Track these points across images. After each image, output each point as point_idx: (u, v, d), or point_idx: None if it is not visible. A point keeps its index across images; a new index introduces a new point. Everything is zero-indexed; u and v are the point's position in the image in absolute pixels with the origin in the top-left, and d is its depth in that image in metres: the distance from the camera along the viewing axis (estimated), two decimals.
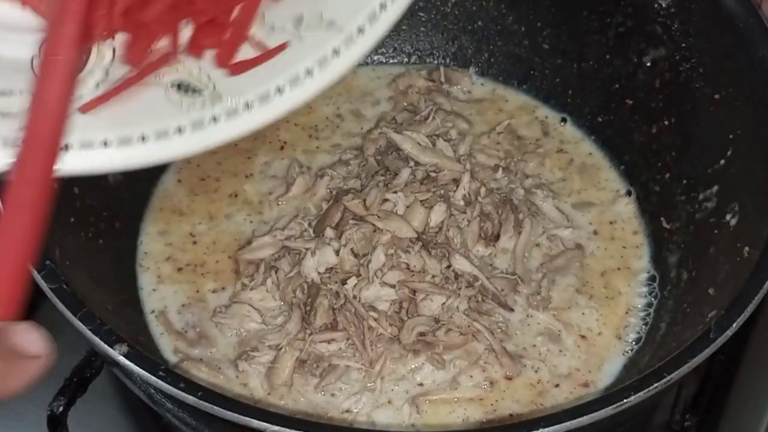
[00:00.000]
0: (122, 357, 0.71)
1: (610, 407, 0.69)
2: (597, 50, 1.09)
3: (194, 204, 1.05)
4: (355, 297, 0.90)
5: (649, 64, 1.04)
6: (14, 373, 0.51)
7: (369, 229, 0.94)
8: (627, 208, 1.05)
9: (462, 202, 0.99)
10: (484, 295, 0.94)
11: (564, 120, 1.14)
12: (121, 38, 0.72)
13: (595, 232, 1.04)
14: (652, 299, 0.98)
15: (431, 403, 0.89)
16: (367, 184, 1.00)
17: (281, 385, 0.89)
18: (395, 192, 0.97)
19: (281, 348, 0.90)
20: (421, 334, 0.90)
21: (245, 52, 0.71)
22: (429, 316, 0.91)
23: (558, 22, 1.11)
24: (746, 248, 0.82)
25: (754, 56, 0.90)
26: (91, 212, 0.94)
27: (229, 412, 0.68)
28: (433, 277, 0.93)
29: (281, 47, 0.71)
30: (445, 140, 1.05)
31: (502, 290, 0.95)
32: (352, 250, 0.93)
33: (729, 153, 0.92)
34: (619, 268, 1.01)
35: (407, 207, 0.96)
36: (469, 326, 0.91)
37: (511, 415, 0.89)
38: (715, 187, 0.94)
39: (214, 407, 0.68)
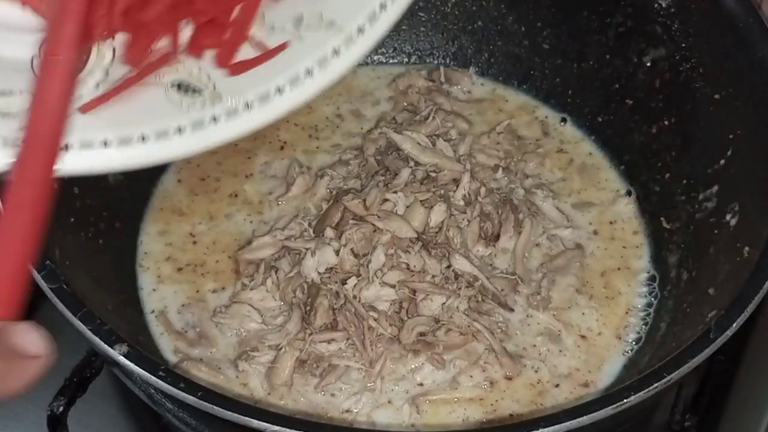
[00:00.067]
0: (122, 357, 0.71)
1: (610, 407, 0.69)
2: (597, 50, 1.09)
3: (194, 204, 1.05)
4: (355, 297, 0.90)
5: (649, 64, 1.04)
6: (14, 373, 0.51)
7: (369, 229, 0.94)
8: (627, 208, 1.05)
9: (462, 202, 0.99)
10: (484, 295, 0.94)
11: (564, 120, 1.14)
12: (121, 38, 0.72)
13: (595, 232, 1.04)
14: (652, 299, 0.98)
15: (431, 403, 0.89)
16: (367, 184, 1.00)
17: (281, 385, 0.89)
18: (395, 192, 0.97)
19: (281, 348, 0.90)
20: (421, 334, 0.90)
21: (245, 53, 0.71)
22: (429, 316, 0.91)
23: (558, 22, 1.11)
24: (746, 248, 0.82)
25: (754, 56, 0.90)
26: (91, 212, 0.94)
27: (229, 412, 0.68)
28: (433, 277, 0.93)
29: (281, 47, 0.71)
30: (445, 140, 1.05)
31: (502, 290, 0.95)
32: (352, 250, 0.93)
33: (729, 153, 0.92)
34: (619, 268, 1.01)
35: (407, 207, 0.96)
36: (469, 326, 0.91)
37: (511, 415, 0.89)
38: (715, 187, 0.94)
39: (214, 407, 0.68)
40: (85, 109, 0.67)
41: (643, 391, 0.70)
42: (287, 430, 0.66)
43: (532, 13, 1.13)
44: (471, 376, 0.90)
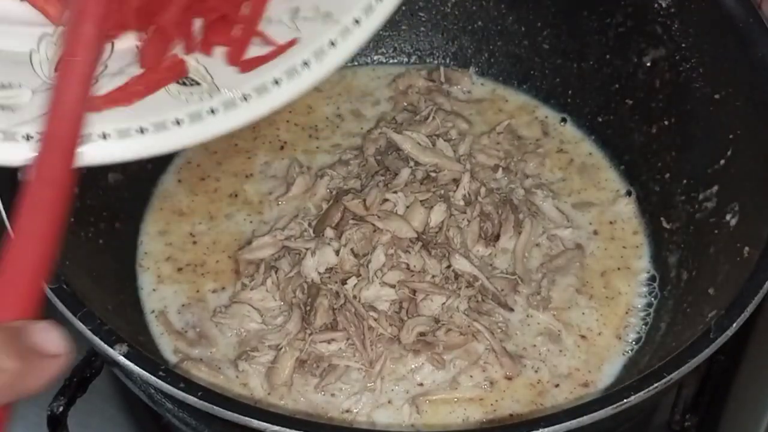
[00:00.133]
0: (122, 357, 0.71)
1: (610, 407, 0.69)
2: (597, 50, 1.09)
3: (194, 204, 1.05)
4: (355, 297, 0.90)
5: (649, 64, 1.04)
6: (34, 373, 0.51)
7: (369, 229, 0.94)
8: (627, 208, 1.05)
9: (462, 202, 0.99)
10: (484, 295, 0.94)
11: (564, 120, 1.14)
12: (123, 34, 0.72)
13: (595, 232, 1.04)
14: (652, 299, 0.98)
15: (431, 403, 0.89)
16: (367, 184, 1.00)
17: (281, 385, 0.89)
18: (395, 192, 0.97)
19: (281, 348, 0.90)
20: (421, 334, 0.90)
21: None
22: (429, 316, 0.91)
23: (558, 22, 1.11)
24: (746, 248, 0.82)
25: (754, 56, 0.90)
26: (91, 212, 0.94)
27: (229, 412, 0.68)
28: (433, 277, 0.93)
29: (291, 43, 0.71)
30: (445, 140, 1.05)
31: (502, 290, 0.95)
32: (352, 250, 0.93)
33: (729, 153, 0.92)
34: (619, 268, 1.01)
35: (407, 207, 0.96)
36: (469, 326, 0.91)
37: (511, 415, 0.89)
38: (715, 187, 0.94)
39: (214, 407, 0.68)
40: (93, 108, 0.67)
41: (643, 391, 0.70)
42: (287, 430, 0.66)
43: (532, 13, 1.13)
44: (471, 376, 0.90)
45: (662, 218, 1.02)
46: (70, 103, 0.57)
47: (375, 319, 0.90)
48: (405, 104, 1.14)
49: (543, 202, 1.03)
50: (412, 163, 1.02)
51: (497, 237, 0.99)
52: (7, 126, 0.65)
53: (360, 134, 1.11)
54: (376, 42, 1.20)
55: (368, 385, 0.89)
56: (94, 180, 0.94)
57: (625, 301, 0.98)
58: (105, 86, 0.69)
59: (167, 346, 0.94)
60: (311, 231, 0.98)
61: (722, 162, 0.93)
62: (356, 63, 1.19)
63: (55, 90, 0.57)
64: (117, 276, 0.96)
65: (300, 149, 1.10)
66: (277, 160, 1.09)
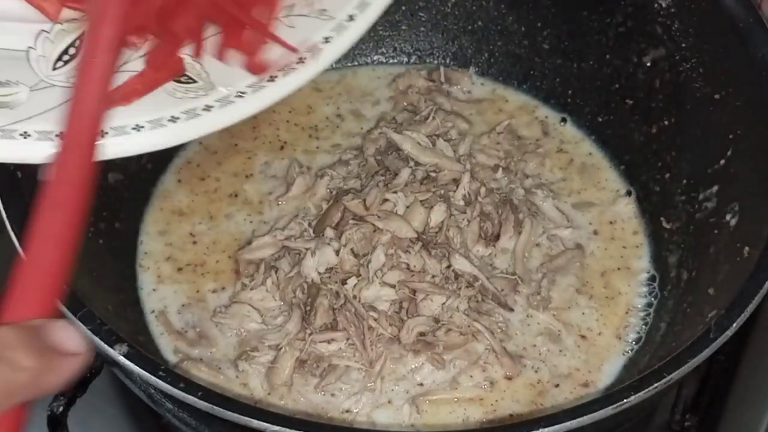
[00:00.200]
0: (122, 357, 0.71)
1: (610, 407, 0.69)
2: (597, 50, 1.09)
3: (194, 204, 1.05)
4: (355, 297, 0.90)
5: (649, 64, 1.04)
6: (52, 371, 0.51)
7: (369, 229, 0.94)
8: (627, 208, 1.05)
9: (462, 202, 0.99)
10: (484, 295, 0.93)
11: (564, 120, 1.14)
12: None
13: (595, 232, 1.04)
14: (652, 299, 0.98)
15: (431, 403, 0.89)
16: (367, 184, 1.00)
17: (281, 385, 0.89)
18: (395, 192, 0.97)
19: (281, 348, 0.90)
20: (421, 334, 0.90)
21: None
22: (429, 316, 0.91)
23: (558, 22, 1.11)
24: (746, 248, 0.82)
25: (754, 56, 0.90)
26: (91, 212, 0.94)
27: (229, 412, 0.68)
28: (433, 277, 0.93)
29: (302, 52, 0.71)
30: (445, 140, 1.05)
31: (502, 290, 0.95)
32: (352, 250, 0.93)
33: (729, 153, 0.92)
34: (619, 268, 1.01)
35: (407, 207, 0.96)
36: (469, 326, 0.91)
37: (511, 415, 0.89)
38: (715, 187, 0.94)
39: (214, 407, 0.68)
40: None
41: (643, 391, 0.70)
42: (287, 430, 0.66)
43: (532, 13, 1.13)
44: (471, 376, 0.90)
45: (662, 218, 1.02)
46: (89, 104, 0.58)
47: (375, 319, 0.90)
48: (405, 104, 1.14)
49: (543, 202, 1.03)
50: (412, 163, 1.02)
51: (497, 237, 0.99)
52: (4, 123, 0.65)
53: (360, 134, 1.11)
54: (376, 42, 1.20)
55: (368, 385, 0.89)
56: (94, 180, 0.94)
57: (625, 301, 0.98)
58: None
59: (167, 346, 0.94)
60: (311, 231, 0.98)
61: (722, 162, 0.93)
62: (356, 63, 1.19)
63: (75, 90, 0.58)
64: (117, 276, 0.96)
65: (300, 149, 1.10)
66: (277, 160, 1.09)
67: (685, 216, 0.99)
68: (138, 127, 0.67)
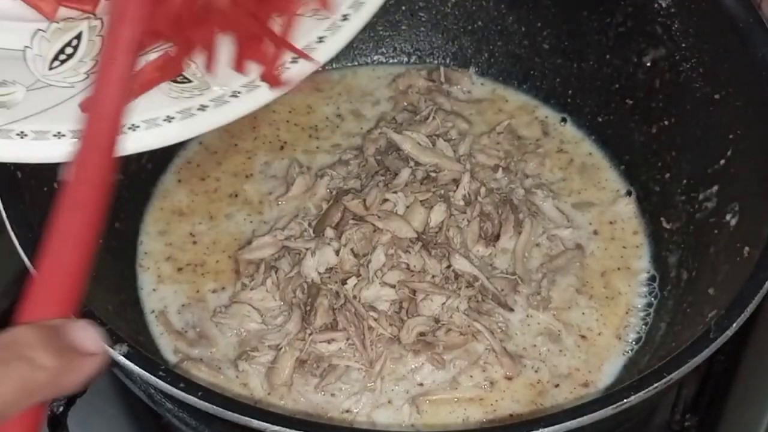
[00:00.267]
0: (122, 357, 0.71)
1: (610, 407, 0.69)
2: (597, 50, 1.09)
3: (194, 204, 1.05)
4: (355, 297, 0.90)
5: (649, 64, 1.04)
6: (72, 371, 0.51)
7: (369, 229, 0.94)
8: (627, 208, 1.05)
9: (462, 202, 0.99)
10: (484, 295, 0.93)
11: (564, 120, 1.14)
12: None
13: (595, 232, 1.04)
14: (652, 299, 0.98)
15: (431, 403, 0.89)
16: (367, 184, 1.00)
17: (281, 385, 0.89)
18: (395, 192, 0.97)
19: (281, 348, 0.90)
20: (421, 334, 0.90)
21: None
22: (429, 316, 0.91)
23: (558, 22, 1.11)
24: (746, 248, 0.82)
25: (754, 56, 0.90)
26: None
27: (229, 412, 0.68)
28: (433, 277, 0.92)
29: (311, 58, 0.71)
30: (445, 140, 1.05)
31: (502, 290, 0.95)
32: (352, 250, 0.93)
33: (729, 153, 0.92)
34: (619, 268, 1.01)
35: (407, 207, 0.96)
36: (469, 326, 0.91)
37: (511, 415, 0.89)
38: (715, 187, 0.94)
39: (214, 407, 0.68)
40: (87, 108, 0.67)
41: (643, 391, 0.70)
42: (287, 430, 0.66)
43: (532, 13, 1.13)
44: (471, 376, 0.90)
45: (662, 218, 1.02)
46: (109, 104, 0.58)
47: (375, 319, 0.89)
48: (405, 104, 1.14)
49: (543, 202, 1.03)
50: (412, 163, 1.02)
51: (497, 237, 0.99)
52: (1, 123, 0.65)
53: (360, 134, 1.11)
54: (376, 42, 1.20)
55: (368, 385, 0.89)
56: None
57: (625, 301, 0.98)
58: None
59: (167, 346, 0.94)
60: (311, 231, 0.98)
61: (722, 162, 0.93)
62: (356, 63, 1.19)
63: (94, 91, 0.58)
64: (117, 276, 0.96)
65: (300, 149, 1.10)
66: (277, 160, 1.09)
67: (685, 216, 0.99)
68: (133, 127, 0.67)
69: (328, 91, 1.16)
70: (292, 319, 0.91)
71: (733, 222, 0.89)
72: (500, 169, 1.05)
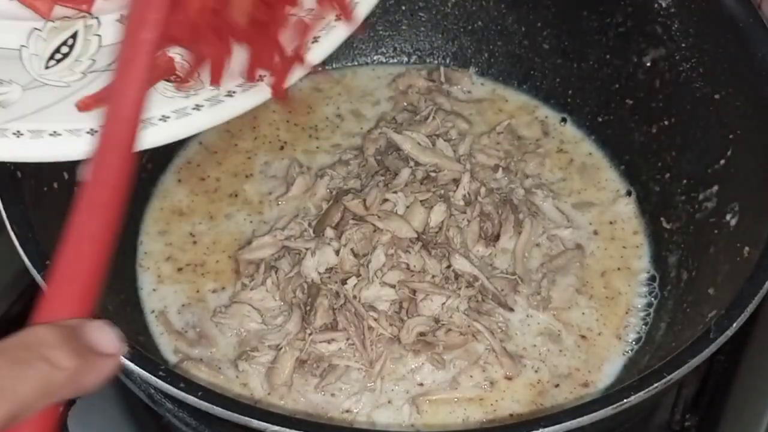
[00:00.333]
0: (122, 357, 0.71)
1: (610, 407, 0.69)
2: (597, 50, 1.09)
3: (194, 204, 1.05)
4: (355, 297, 0.90)
5: (649, 64, 1.04)
6: (90, 371, 0.51)
7: (369, 229, 0.94)
8: (627, 208, 1.05)
9: (462, 202, 0.99)
10: (484, 295, 0.93)
11: (564, 120, 1.14)
12: (108, 27, 0.72)
13: (595, 232, 1.04)
14: (652, 299, 0.98)
15: (431, 403, 0.89)
16: (367, 184, 1.00)
17: (281, 385, 0.89)
18: (395, 192, 0.97)
19: (281, 348, 0.90)
20: (421, 334, 0.90)
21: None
22: (429, 316, 0.91)
23: (558, 22, 1.11)
24: (746, 248, 0.82)
25: (754, 56, 0.90)
26: None
27: (229, 412, 0.68)
28: (433, 277, 0.92)
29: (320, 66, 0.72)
30: (445, 140, 1.05)
31: (502, 290, 0.95)
32: (352, 250, 0.93)
33: (729, 153, 0.92)
34: (619, 268, 1.01)
35: (407, 207, 0.96)
36: (469, 326, 0.91)
37: (511, 415, 0.89)
38: (715, 187, 0.94)
39: (214, 407, 0.68)
40: (84, 107, 0.67)
41: (643, 391, 0.70)
42: (287, 430, 0.66)
43: (532, 13, 1.13)
44: (471, 376, 0.90)
45: (662, 218, 1.02)
46: (127, 106, 0.58)
47: (375, 319, 0.89)
48: (405, 104, 1.14)
49: (543, 202, 1.03)
50: (412, 163, 1.02)
51: (497, 237, 0.99)
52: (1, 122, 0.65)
53: (360, 134, 1.11)
54: (376, 42, 1.20)
55: (368, 385, 0.89)
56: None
57: (625, 301, 0.98)
58: (94, 82, 0.69)
59: (167, 346, 0.94)
60: (311, 231, 0.98)
61: (722, 162, 0.93)
62: (356, 63, 1.19)
63: (113, 93, 0.58)
64: (117, 276, 0.96)
65: (300, 149, 1.10)
66: (277, 160, 1.09)
67: (685, 216, 0.99)
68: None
69: (328, 91, 1.16)
70: (292, 319, 0.91)
71: (733, 222, 0.89)
72: (500, 169, 1.05)
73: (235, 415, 0.67)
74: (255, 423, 0.67)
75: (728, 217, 0.90)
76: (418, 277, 0.92)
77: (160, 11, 0.59)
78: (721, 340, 0.74)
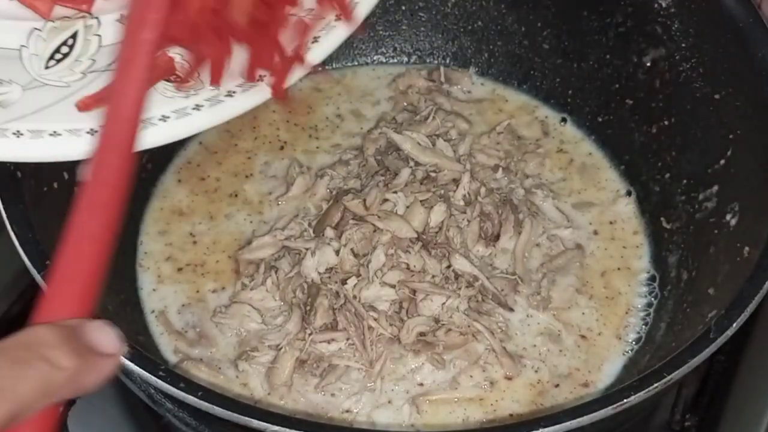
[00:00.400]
0: (122, 357, 0.71)
1: (610, 407, 0.69)
2: (597, 50, 1.09)
3: (194, 204, 1.05)
4: (355, 297, 0.90)
5: (649, 64, 1.04)
6: (90, 371, 0.51)
7: (369, 229, 0.94)
8: (627, 208, 1.05)
9: (462, 202, 0.99)
10: (484, 295, 0.93)
11: (564, 120, 1.14)
12: (108, 27, 0.72)
13: (595, 232, 1.04)
14: (652, 299, 0.98)
15: (431, 403, 0.89)
16: (367, 184, 1.00)
17: (281, 385, 0.89)
18: (395, 192, 0.97)
19: (281, 348, 0.90)
20: (421, 334, 0.90)
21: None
22: (429, 316, 0.91)
23: (558, 22, 1.11)
24: (746, 248, 0.82)
25: (754, 56, 0.90)
26: None
27: (229, 412, 0.68)
28: (433, 277, 0.92)
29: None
30: (445, 140, 1.05)
31: (502, 290, 0.95)
32: (352, 250, 0.93)
33: (729, 153, 0.92)
34: (619, 268, 1.01)
35: (407, 207, 0.96)
36: (469, 326, 0.91)
37: (511, 415, 0.89)
38: (715, 187, 0.94)
39: (214, 407, 0.68)
40: (84, 107, 0.67)
41: (643, 391, 0.70)
42: (287, 430, 0.66)
43: (532, 13, 1.13)
44: (471, 376, 0.90)
45: (662, 218, 1.02)
46: (127, 106, 0.58)
47: (375, 319, 0.89)
48: (405, 104, 1.14)
49: (543, 202, 1.03)
50: (412, 163, 1.02)
51: (497, 237, 0.99)
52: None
53: (360, 134, 1.11)
54: (376, 42, 1.20)
55: (368, 385, 0.89)
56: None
57: (625, 301, 0.98)
58: (94, 81, 0.69)
59: (167, 346, 0.94)
60: (311, 231, 0.98)
61: (722, 162, 0.93)
62: (356, 63, 1.19)
63: (113, 93, 0.58)
64: (117, 276, 0.96)
65: (300, 149, 1.10)
66: (277, 160, 1.09)
67: (685, 216, 0.99)
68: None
69: (328, 91, 1.16)
70: (292, 319, 0.91)
71: (733, 222, 0.89)
72: (500, 169, 1.05)
73: (235, 415, 0.67)
74: (255, 423, 0.67)
75: (728, 217, 0.90)
76: (418, 277, 0.92)
77: (160, 11, 0.59)
78: (721, 340, 0.74)
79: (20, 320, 0.53)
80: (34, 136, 0.66)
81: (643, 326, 0.96)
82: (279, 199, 1.05)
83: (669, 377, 0.71)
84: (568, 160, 1.10)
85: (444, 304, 0.91)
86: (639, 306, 0.98)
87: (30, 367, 0.48)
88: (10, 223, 0.77)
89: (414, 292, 0.92)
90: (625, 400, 0.70)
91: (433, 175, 1.01)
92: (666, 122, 1.03)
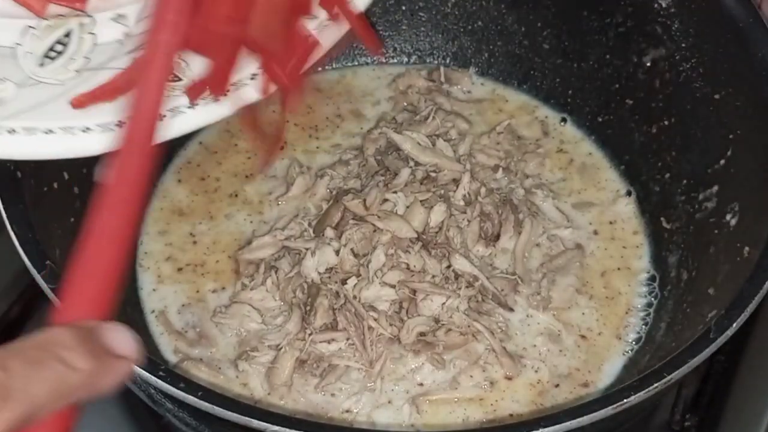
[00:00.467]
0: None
1: (610, 407, 0.69)
2: (597, 50, 1.09)
3: (194, 204, 1.05)
4: (355, 297, 0.90)
5: (649, 64, 1.04)
6: (105, 373, 0.51)
7: (369, 229, 0.94)
8: (627, 208, 1.05)
9: (462, 202, 0.99)
10: (484, 295, 0.94)
11: (564, 120, 1.14)
12: (103, 25, 0.72)
13: (595, 232, 1.04)
14: (652, 299, 0.98)
15: (431, 403, 0.89)
16: (367, 184, 1.00)
17: (281, 385, 0.89)
18: (395, 192, 0.97)
19: (281, 348, 0.90)
20: (421, 334, 0.90)
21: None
22: (429, 316, 0.91)
23: (558, 22, 1.11)
24: (746, 248, 0.82)
25: (754, 56, 0.90)
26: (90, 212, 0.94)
27: (229, 412, 0.68)
28: (433, 277, 0.93)
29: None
30: (445, 140, 1.05)
31: (502, 290, 0.95)
32: (352, 250, 0.93)
33: (729, 153, 0.92)
34: (619, 268, 1.01)
35: (407, 207, 0.96)
36: (469, 326, 0.91)
37: (511, 415, 0.89)
38: (715, 187, 0.94)
39: (214, 407, 0.68)
40: (78, 104, 0.67)
41: (643, 391, 0.70)
42: (287, 430, 0.66)
43: (532, 13, 1.13)
44: (471, 376, 0.90)
45: (662, 218, 1.02)
46: (148, 107, 0.59)
47: (375, 319, 0.89)
48: (405, 104, 1.14)
49: (543, 202, 1.03)
50: (412, 163, 1.02)
51: (497, 237, 0.99)
52: None
53: (360, 134, 1.11)
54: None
55: (368, 385, 0.89)
56: (95, 179, 0.94)
57: (625, 301, 0.98)
58: (88, 80, 0.69)
59: (167, 346, 0.94)
60: (311, 231, 0.98)
61: (722, 162, 0.93)
62: (356, 63, 1.19)
63: (134, 94, 0.58)
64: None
65: (300, 149, 1.10)
66: (277, 160, 1.09)
67: (685, 216, 0.99)
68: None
69: (328, 91, 1.16)
70: (292, 319, 0.91)
71: (733, 222, 0.89)
72: (500, 169, 1.05)
73: (235, 415, 0.67)
74: (255, 423, 0.67)
75: (728, 217, 0.90)
76: (418, 277, 0.92)
77: (179, 14, 0.59)
78: (721, 340, 0.74)
79: (20, 320, 0.53)
80: (29, 134, 0.66)
81: (643, 326, 0.96)
82: (279, 199, 1.05)
83: (669, 377, 0.71)
84: (568, 160, 1.10)
85: (444, 304, 0.91)
86: (639, 306, 0.98)
87: (45, 367, 0.48)
88: (10, 223, 0.77)
89: (414, 292, 0.92)
90: (625, 400, 0.70)
91: (433, 175, 1.01)
92: (666, 122, 1.03)
